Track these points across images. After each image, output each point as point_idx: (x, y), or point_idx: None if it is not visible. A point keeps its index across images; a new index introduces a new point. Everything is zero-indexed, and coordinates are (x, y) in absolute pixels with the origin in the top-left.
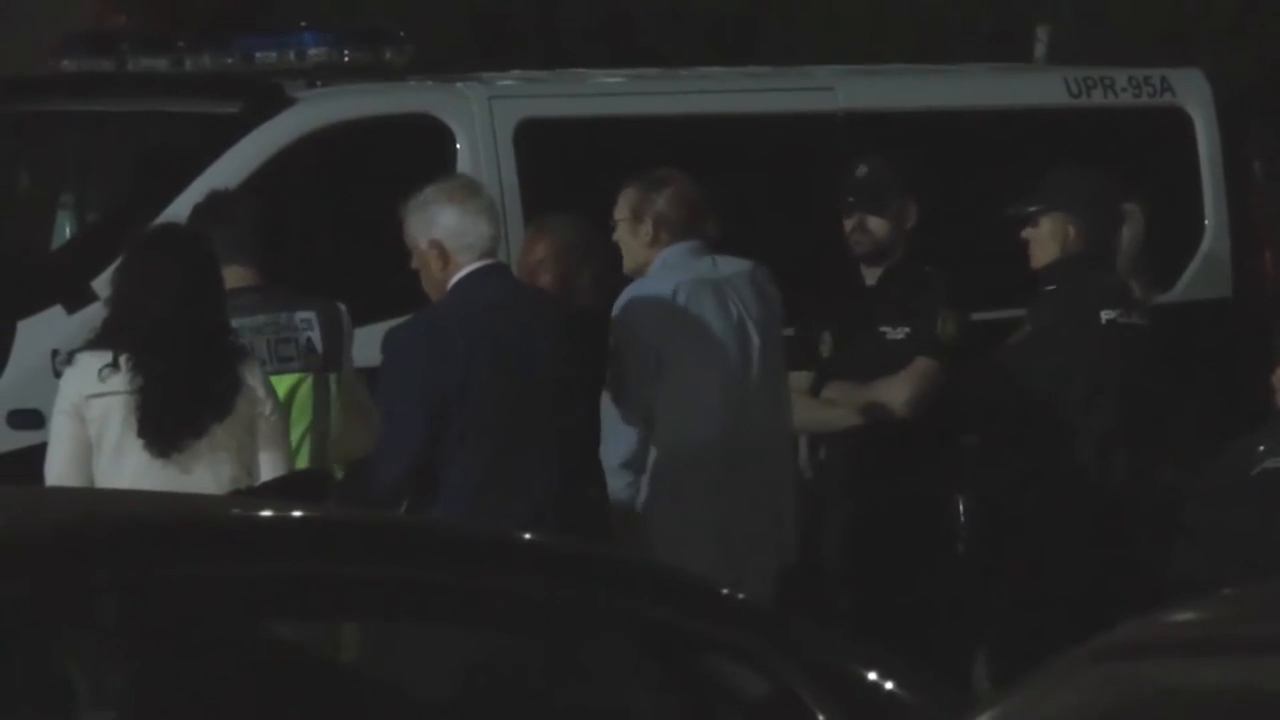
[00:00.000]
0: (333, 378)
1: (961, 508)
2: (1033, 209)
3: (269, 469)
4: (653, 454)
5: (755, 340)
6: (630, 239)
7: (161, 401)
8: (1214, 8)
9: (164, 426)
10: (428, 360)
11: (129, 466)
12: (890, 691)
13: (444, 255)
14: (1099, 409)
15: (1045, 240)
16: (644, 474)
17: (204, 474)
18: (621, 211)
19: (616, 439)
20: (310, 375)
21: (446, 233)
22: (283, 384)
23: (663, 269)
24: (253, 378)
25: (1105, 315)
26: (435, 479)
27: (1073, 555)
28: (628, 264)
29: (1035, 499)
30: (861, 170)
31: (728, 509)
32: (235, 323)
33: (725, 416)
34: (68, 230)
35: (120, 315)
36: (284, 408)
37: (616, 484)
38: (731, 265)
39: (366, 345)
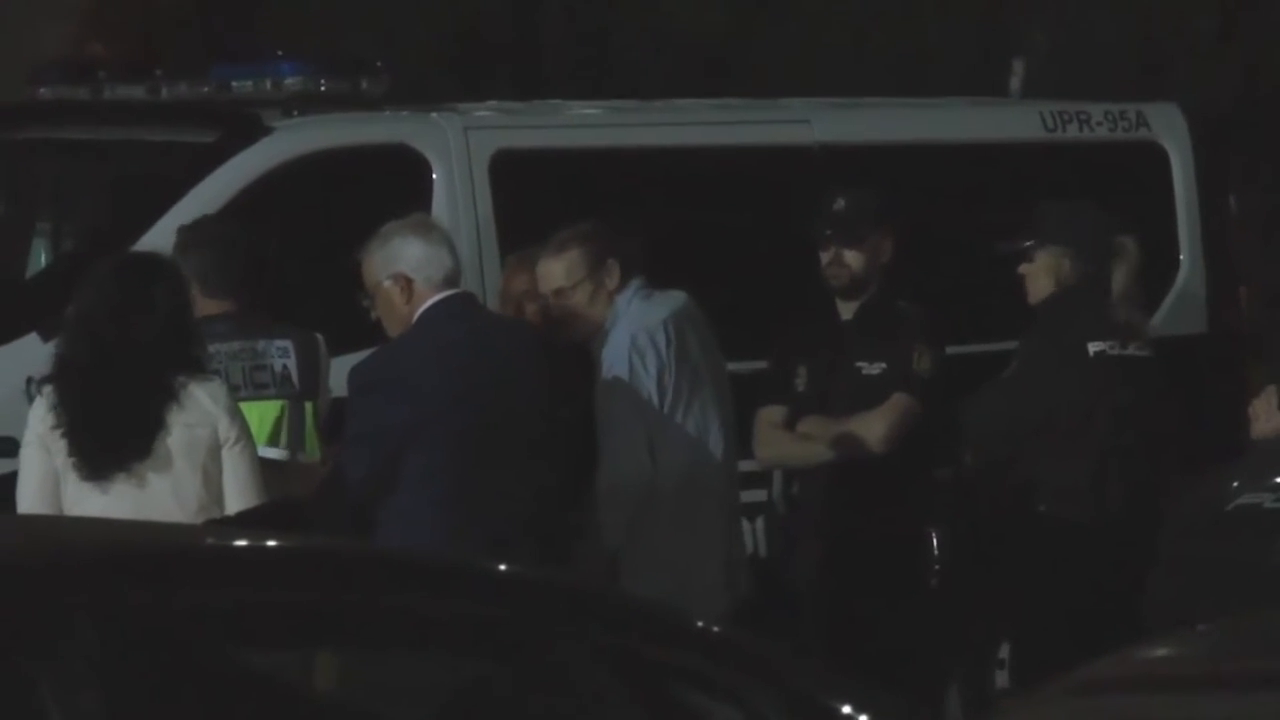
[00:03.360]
0: (309, 406)
1: (935, 541)
2: (1028, 244)
3: (235, 495)
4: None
5: (708, 374)
6: (594, 294)
7: (83, 426)
8: (1190, 42)
9: (89, 450)
10: (387, 398)
11: (91, 494)
12: None
13: (408, 288)
14: (1088, 440)
15: (1039, 274)
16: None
17: (165, 499)
18: (575, 275)
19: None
20: (285, 403)
21: (412, 264)
22: (258, 411)
23: (631, 309)
24: (214, 403)
25: (1093, 348)
26: (395, 509)
27: (1054, 587)
28: (594, 318)
29: (1021, 532)
30: (839, 203)
31: (689, 545)
32: (211, 349)
33: (698, 451)
34: (43, 258)
35: (58, 345)
36: (254, 435)
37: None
38: (676, 298)
39: (342, 374)
